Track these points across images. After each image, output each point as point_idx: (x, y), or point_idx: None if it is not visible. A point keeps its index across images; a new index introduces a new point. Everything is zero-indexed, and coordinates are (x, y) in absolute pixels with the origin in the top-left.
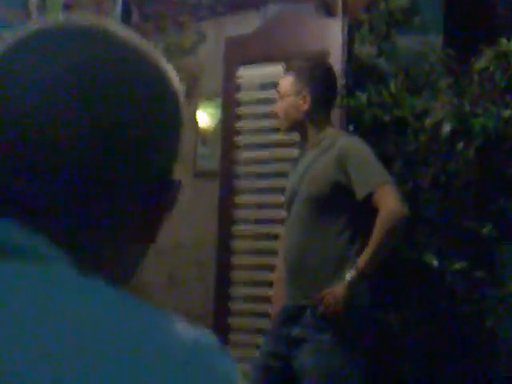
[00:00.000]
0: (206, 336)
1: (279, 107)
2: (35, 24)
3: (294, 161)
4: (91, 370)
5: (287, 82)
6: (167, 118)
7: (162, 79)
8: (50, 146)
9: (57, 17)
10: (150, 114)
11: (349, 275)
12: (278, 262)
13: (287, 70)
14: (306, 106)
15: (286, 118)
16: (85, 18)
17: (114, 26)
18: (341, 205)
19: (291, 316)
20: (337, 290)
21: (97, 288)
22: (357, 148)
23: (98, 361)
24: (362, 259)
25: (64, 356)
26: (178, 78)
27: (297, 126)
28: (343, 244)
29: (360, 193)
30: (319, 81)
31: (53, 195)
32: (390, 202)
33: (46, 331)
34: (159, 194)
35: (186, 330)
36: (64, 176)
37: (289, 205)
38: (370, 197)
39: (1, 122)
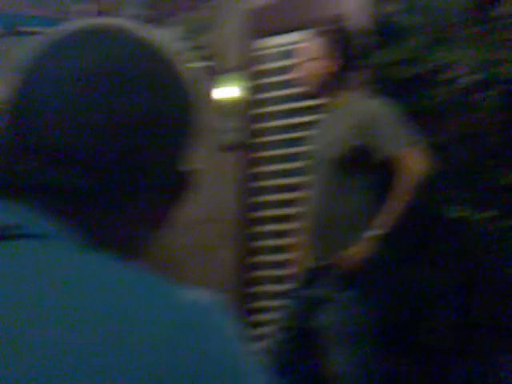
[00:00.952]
0: (205, 298)
1: (307, 70)
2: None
3: (318, 125)
4: (85, 334)
5: (315, 46)
6: (179, 112)
7: (173, 75)
8: (75, 136)
9: (75, 9)
10: (162, 108)
11: (369, 234)
12: (302, 226)
13: (311, 34)
14: (335, 68)
15: (315, 81)
16: (106, 20)
17: (131, 24)
18: (364, 166)
19: (313, 277)
20: (357, 249)
21: (98, 261)
22: (378, 110)
23: (92, 326)
24: (381, 218)
25: (59, 317)
26: (189, 73)
27: (325, 88)
28: (364, 204)
29: (380, 154)
30: (346, 43)
31: (76, 181)
32: (410, 164)
33: (47, 298)
34: (171, 181)
35: (185, 294)
36: (90, 163)
37: (315, 168)
38: (389, 158)
39: (31, 112)
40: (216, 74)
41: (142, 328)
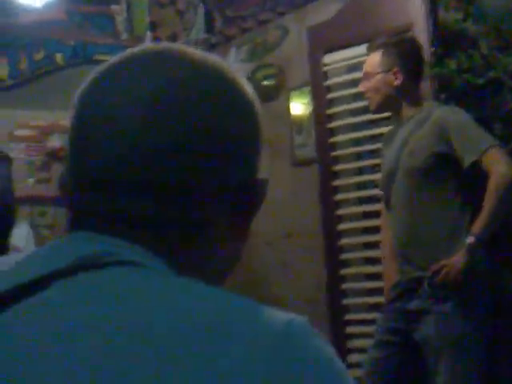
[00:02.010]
0: (297, 321)
1: (368, 86)
2: (127, 48)
3: (386, 138)
4: (178, 359)
5: (375, 60)
6: (245, 130)
7: (237, 93)
8: (138, 161)
9: (144, 35)
10: (229, 127)
11: (467, 242)
12: (383, 238)
13: (372, 47)
14: (397, 82)
15: (376, 96)
16: (164, 44)
17: (190, 48)
18: (446, 174)
19: (406, 290)
20: (456, 259)
21: (189, 285)
22: (455, 116)
23: (187, 348)
24: (478, 225)
25: (165, 340)
26: (252, 91)
27: (388, 102)
28: (453, 213)
29: (467, 160)
30: (408, 54)
31: (149, 209)
32: (499, 166)
33: (154, 323)
34: (243, 198)
35: (276, 316)
36: (156, 190)
37: (389, 181)
38: (476, 163)
39: (98, 140)
40: (285, 91)
41: (238, 349)
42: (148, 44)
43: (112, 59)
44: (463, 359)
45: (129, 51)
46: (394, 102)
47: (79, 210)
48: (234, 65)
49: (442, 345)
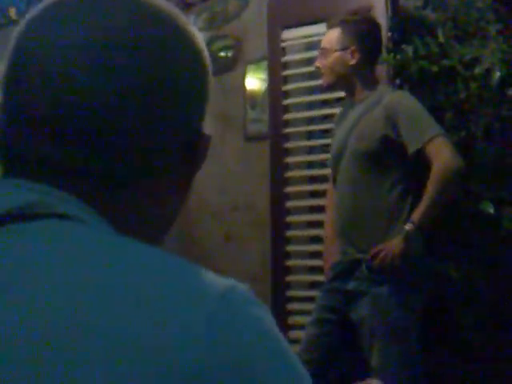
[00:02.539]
0: (238, 288)
1: (324, 62)
2: None
3: (338, 118)
4: (113, 318)
5: (332, 37)
6: (192, 77)
7: (185, 40)
8: (81, 111)
9: None
10: (176, 74)
11: (405, 228)
12: (327, 218)
13: (332, 24)
14: (353, 61)
15: (331, 74)
16: None
17: None
18: (391, 159)
19: (345, 271)
20: (394, 244)
21: (125, 244)
22: (406, 102)
23: (120, 310)
24: (418, 212)
25: (84, 303)
26: (201, 38)
27: (342, 81)
28: (395, 198)
29: (411, 147)
30: (366, 35)
31: (88, 159)
32: (443, 155)
33: (72, 280)
34: (187, 153)
35: (216, 282)
36: (97, 139)
37: (336, 161)
38: (421, 151)
39: (29, 89)
40: (241, 64)
41: (178, 318)
42: None
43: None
44: (396, 342)
45: None
46: (347, 82)
47: (12, 154)
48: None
49: (376, 326)
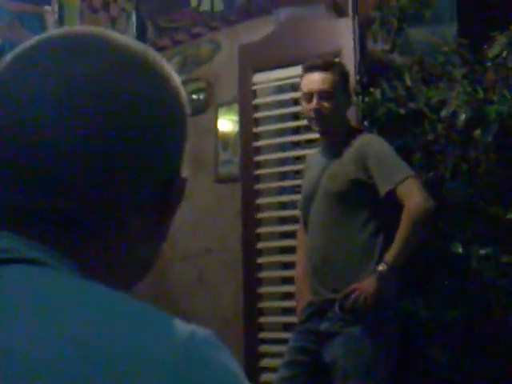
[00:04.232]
0: (200, 334)
1: (328, 106)
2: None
3: (309, 160)
4: (75, 370)
5: (330, 80)
6: (169, 119)
7: (162, 83)
8: (48, 157)
9: None
10: (151, 118)
11: (379, 268)
12: (298, 259)
13: (314, 67)
14: (349, 106)
15: (334, 117)
16: (81, 27)
17: (113, 33)
18: (362, 200)
19: (318, 311)
20: (367, 284)
21: (89, 289)
22: (376, 145)
23: (82, 361)
24: (391, 252)
25: (49, 345)
26: (177, 77)
27: (340, 125)
28: (367, 238)
29: (383, 189)
30: (348, 78)
31: (55, 205)
32: (414, 196)
33: (32, 323)
34: (162, 197)
35: (179, 327)
36: (65, 186)
37: (308, 202)
38: (392, 191)
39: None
40: (213, 107)
41: (136, 366)
42: (67, 27)
43: (29, 42)
44: (369, 381)
45: (47, 34)
46: (341, 125)
47: None
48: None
49: (349, 367)
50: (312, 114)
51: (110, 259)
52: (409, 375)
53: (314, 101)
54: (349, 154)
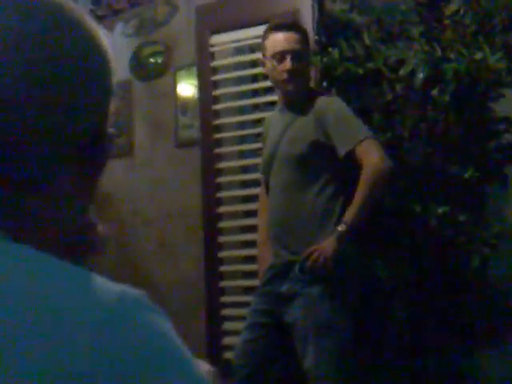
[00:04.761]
0: (130, 293)
1: (300, 66)
2: None
3: (269, 123)
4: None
5: (302, 40)
6: (86, 72)
7: (87, 38)
8: None
9: None
10: (77, 70)
11: (338, 229)
12: (260, 222)
13: (280, 27)
14: (312, 67)
15: (303, 77)
16: None
17: None
18: (321, 162)
19: (279, 274)
20: (326, 245)
21: (16, 251)
22: (335, 106)
23: (12, 324)
24: (350, 213)
25: None
26: (103, 37)
27: (306, 85)
28: (326, 200)
29: (341, 150)
30: (308, 38)
31: None
32: (373, 157)
33: None
34: (90, 149)
35: (109, 288)
36: None
37: (268, 166)
38: (351, 153)
39: None
40: (172, 70)
41: (66, 328)
42: None
43: None
44: (329, 342)
45: None
46: (306, 86)
47: None
48: (120, 39)
49: (309, 327)
50: (285, 75)
51: (37, 219)
52: (369, 333)
53: (289, 61)
54: (309, 116)
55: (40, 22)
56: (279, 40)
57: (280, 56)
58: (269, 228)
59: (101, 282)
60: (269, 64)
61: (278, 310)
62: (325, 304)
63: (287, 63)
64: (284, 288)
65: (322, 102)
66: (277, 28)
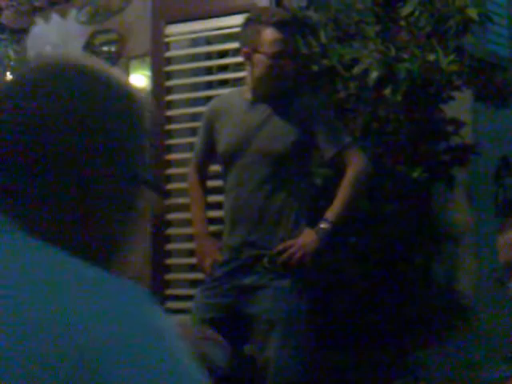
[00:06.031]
0: (132, 288)
1: (294, 67)
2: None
3: (220, 107)
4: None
5: (294, 39)
6: (133, 130)
7: (126, 100)
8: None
9: None
10: (113, 130)
11: (321, 226)
12: (198, 215)
13: (289, 25)
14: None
15: (290, 80)
16: (56, 56)
17: (84, 59)
18: (299, 161)
19: (241, 267)
20: (308, 241)
21: (36, 248)
22: (322, 107)
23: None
24: (334, 211)
25: None
26: (142, 95)
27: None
28: (301, 197)
29: (329, 152)
30: None
31: (25, 182)
32: (359, 161)
33: None
34: (125, 191)
35: (111, 283)
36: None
37: (231, 157)
38: (336, 155)
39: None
40: (125, 60)
41: (67, 320)
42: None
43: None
44: (295, 334)
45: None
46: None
47: None
48: (74, 26)
49: (276, 319)
50: (280, 74)
51: (55, 225)
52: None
53: (287, 62)
54: (290, 114)
55: (96, 96)
56: (279, 39)
57: (278, 55)
58: (230, 222)
59: (104, 276)
60: (261, 59)
61: (234, 304)
62: (294, 296)
63: (286, 64)
64: (249, 280)
65: (306, 100)
66: (277, 25)
